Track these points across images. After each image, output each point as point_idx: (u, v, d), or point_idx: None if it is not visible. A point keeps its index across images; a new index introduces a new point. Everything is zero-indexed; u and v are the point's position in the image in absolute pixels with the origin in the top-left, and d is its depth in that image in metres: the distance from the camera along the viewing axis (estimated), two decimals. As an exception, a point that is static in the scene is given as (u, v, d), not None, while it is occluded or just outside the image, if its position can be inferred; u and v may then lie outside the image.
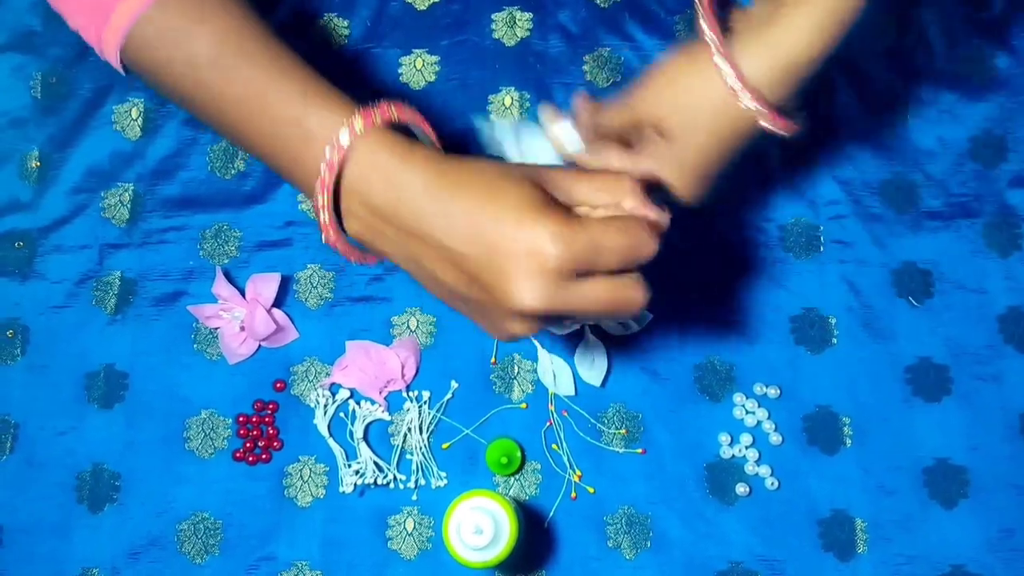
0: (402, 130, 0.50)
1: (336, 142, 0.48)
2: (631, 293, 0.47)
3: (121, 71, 0.55)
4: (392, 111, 0.50)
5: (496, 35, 0.75)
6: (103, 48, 0.54)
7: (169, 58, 0.51)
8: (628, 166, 0.54)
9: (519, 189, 0.46)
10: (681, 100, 0.53)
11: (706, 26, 0.52)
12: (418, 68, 0.74)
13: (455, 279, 0.48)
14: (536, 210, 0.45)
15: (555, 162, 0.59)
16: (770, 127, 0.53)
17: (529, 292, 0.45)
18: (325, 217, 0.49)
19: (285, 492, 0.65)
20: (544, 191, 0.47)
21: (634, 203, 0.49)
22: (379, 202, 0.48)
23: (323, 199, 0.48)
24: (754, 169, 0.71)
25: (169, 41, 0.51)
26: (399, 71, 0.74)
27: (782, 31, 0.51)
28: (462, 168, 0.48)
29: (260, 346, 0.68)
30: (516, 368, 0.67)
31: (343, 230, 0.51)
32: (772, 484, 0.64)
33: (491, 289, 0.46)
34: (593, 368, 0.66)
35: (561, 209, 0.47)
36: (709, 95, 0.52)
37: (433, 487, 0.65)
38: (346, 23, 0.75)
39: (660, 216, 0.50)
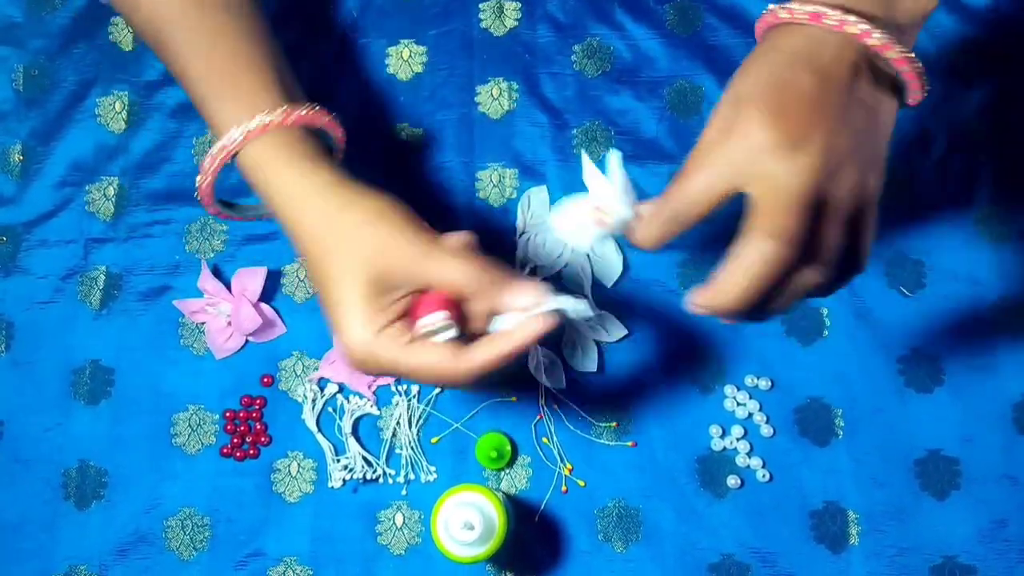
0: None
1: (228, 138, 0.53)
2: (452, 369, 0.48)
3: None
4: (301, 115, 0.53)
5: (484, 25, 0.74)
6: None
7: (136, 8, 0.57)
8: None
9: (344, 284, 0.48)
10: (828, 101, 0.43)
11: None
12: (405, 59, 0.73)
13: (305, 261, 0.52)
14: (354, 313, 0.48)
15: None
16: (913, 74, 0.45)
17: (345, 354, 0.49)
18: (206, 185, 0.56)
19: (273, 488, 0.65)
20: (378, 290, 0.48)
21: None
22: (262, 190, 0.53)
23: (206, 177, 0.55)
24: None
25: None
26: (386, 62, 0.73)
27: None
28: (328, 220, 0.50)
29: (247, 341, 0.67)
30: (506, 361, 0.66)
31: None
32: (764, 476, 0.64)
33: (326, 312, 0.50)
34: (586, 356, 0.66)
35: (382, 317, 0.48)
36: (839, 74, 0.44)
37: (423, 482, 0.64)
38: (333, 14, 0.74)
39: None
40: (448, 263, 0.48)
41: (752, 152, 0.43)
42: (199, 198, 0.57)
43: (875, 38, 0.44)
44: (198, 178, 0.56)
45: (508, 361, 0.48)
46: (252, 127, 0.52)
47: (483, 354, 0.47)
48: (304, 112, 0.54)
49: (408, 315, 0.49)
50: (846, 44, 0.44)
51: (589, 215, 0.49)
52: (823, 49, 0.44)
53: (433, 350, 0.47)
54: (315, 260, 0.49)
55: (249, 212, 0.62)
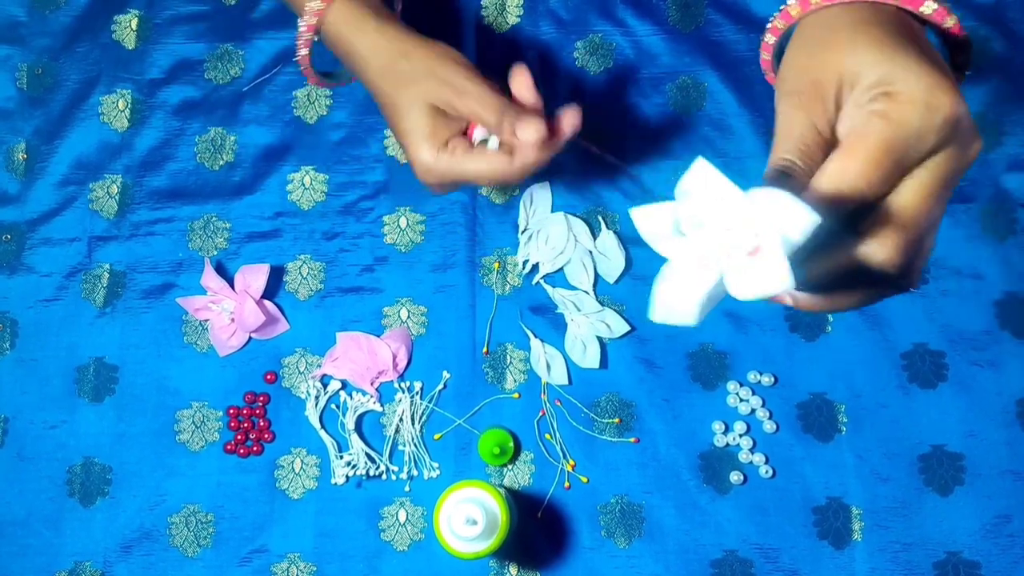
0: None
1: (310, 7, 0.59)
2: (502, 170, 0.57)
3: None
4: None
5: (487, 21, 0.74)
6: None
7: None
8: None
9: (412, 113, 0.57)
10: (842, 47, 0.38)
11: None
12: None
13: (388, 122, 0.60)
14: (420, 137, 0.57)
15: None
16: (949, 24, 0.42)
17: (417, 173, 0.58)
18: (304, 56, 0.61)
19: (277, 484, 0.65)
20: (438, 114, 0.57)
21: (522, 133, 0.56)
22: (344, 56, 0.60)
23: (304, 38, 0.60)
24: (745, 155, 0.70)
25: None
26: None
27: None
28: (392, 61, 0.58)
29: (250, 338, 0.68)
30: (508, 357, 0.67)
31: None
32: (767, 472, 0.64)
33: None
34: (586, 353, 0.66)
35: (443, 135, 0.57)
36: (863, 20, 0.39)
37: (426, 478, 0.65)
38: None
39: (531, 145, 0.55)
40: (487, 96, 0.57)
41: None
42: (301, 71, 0.62)
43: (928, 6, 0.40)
44: (299, 52, 0.61)
45: (542, 161, 0.57)
46: None
47: (523, 156, 0.56)
48: None
49: (464, 135, 0.59)
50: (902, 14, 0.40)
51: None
52: (907, 20, 0.41)
53: (489, 154, 0.57)
54: (387, 100, 0.58)
55: (343, 77, 0.67)
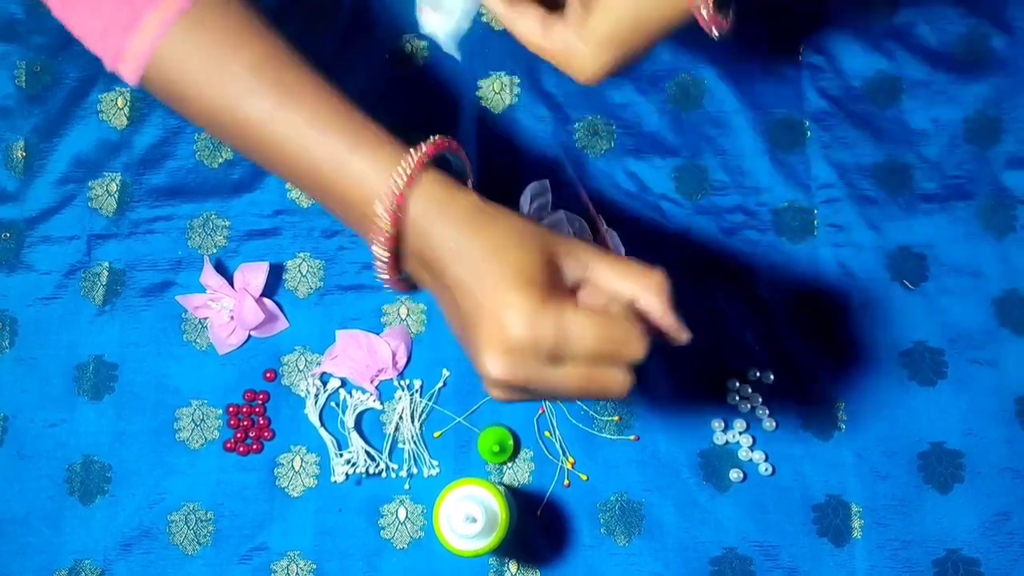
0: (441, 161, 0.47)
1: (391, 192, 0.44)
2: (608, 385, 0.44)
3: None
4: (435, 146, 0.46)
5: (485, 19, 0.74)
6: (118, 69, 0.49)
7: (197, 90, 0.48)
8: (538, 29, 0.51)
9: (521, 255, 0.43)
10: None
11: None
12: (408, 53, 0.73)
13: (454, 325, 0.47)
14: (523, 282, 0.42)
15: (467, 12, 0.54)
16: (704, 17, 0.49)
17: (490, 362, 0.42)
18: (385, 267, 0.47)
19: (277, 482, 0.65)
20: (551, 263, 0.44)
21: (654, 304, 0.45)
22: (417, 244, 0.46)
23: (383, 252, 0.46)
24: (745, 153, 0.70)
25: (199, 71, 0.47)
26: (387, 56, 0.73)
27: None
28: (487, 217, 0.45)
29: (250, 336, 0.68)
30: (508, 356, 0.66)
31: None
32: (766, 470, 0.64)
33: (470, 347, 0.45)
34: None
35: (554, 289, 0.43)
36: None
37: (425, 476, 0.65)
38: (333, 11, 0.74)
39: (677, 331, 0.46)
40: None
41: None
42: (385, 285, 0.49)
43: None
44: (381, 265, 0.47)
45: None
46: (405, 171, 0.45)
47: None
48: (433, 142, 0.46)
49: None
50: None
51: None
52: None
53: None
54: (479, 272, 0.44)
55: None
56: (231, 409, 0.66)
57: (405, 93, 0.72)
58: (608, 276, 0.45)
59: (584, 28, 0.50)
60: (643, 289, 0.45)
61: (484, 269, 0.43)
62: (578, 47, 0.51)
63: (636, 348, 0.43)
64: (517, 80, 0.72)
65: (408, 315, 0.68)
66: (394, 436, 0.65)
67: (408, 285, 0.49)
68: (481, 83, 0.72)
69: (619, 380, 0.44)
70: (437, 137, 0.46)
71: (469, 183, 0.49)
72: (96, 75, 0.74)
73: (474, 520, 0.54)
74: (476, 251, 0.44)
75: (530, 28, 0.52)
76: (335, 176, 0.46)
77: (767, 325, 0.66)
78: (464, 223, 0.44)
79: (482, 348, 0.43)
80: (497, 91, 0.72)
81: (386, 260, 0.46)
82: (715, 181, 0.69)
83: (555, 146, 0.71)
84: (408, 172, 0.44)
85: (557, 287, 0.44)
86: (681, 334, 0.47)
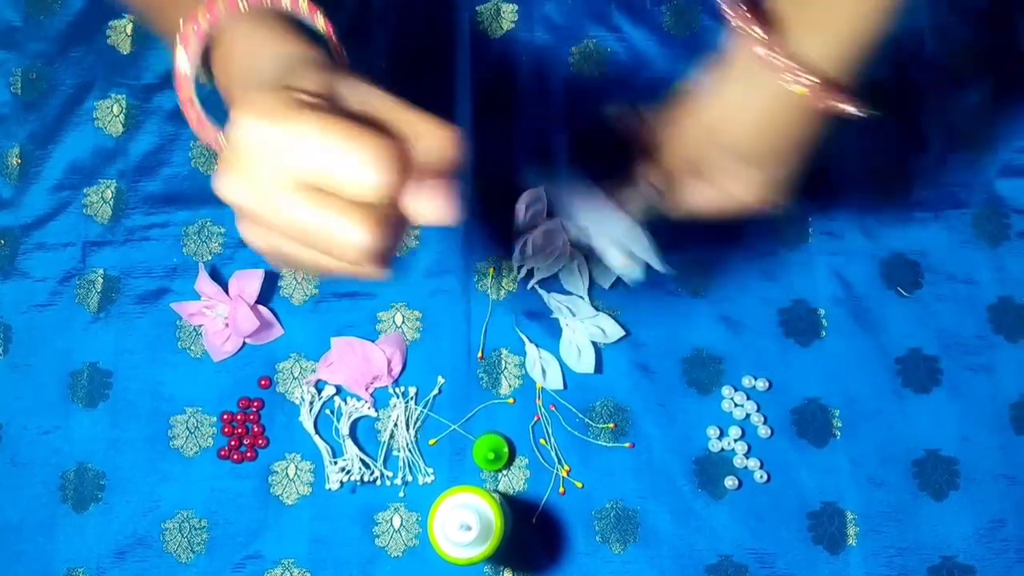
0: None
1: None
2: (341, 230, 0.35)
3: None
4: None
5: (481, 28, 0.74)
6: None
7: None
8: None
9: (273, 76, 0.40)
10: (752, 122, 0.52)
11: (743, 23, 0.49)
12: (403, 61, 0.73)
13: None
14: (253, 94, 0.37)
15: (624, 225, 0.63)
16: (840, 106, 0.49)
17: (218, 184, 0.36)
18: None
19: (271, 490, 0.65)
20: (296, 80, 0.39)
21: (436, 150, 0.38)
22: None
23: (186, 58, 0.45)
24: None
25: None
26: (383, 65, 0.73)
27: (832, 4, 0.48)
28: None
29: (245, 343, 0.67)
30: (503, 363, 0.67)
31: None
32: (761, 477, 0.64)
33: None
34: (581, 358, 0.66)
35: (293, 100, 0.37)
36: (782, 107, 0.50)
37: (420, 484, 0.64)
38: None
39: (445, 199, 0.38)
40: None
41: None
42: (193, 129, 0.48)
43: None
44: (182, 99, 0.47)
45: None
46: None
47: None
48: None
49: None
50: None
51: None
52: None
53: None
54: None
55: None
56: (225, 416, 0.66)
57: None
58: (386, 104, 0.38)
59: (745, 187, 0.55)
60: (428, 132, 0.38)
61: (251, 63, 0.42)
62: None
63: (371, 168, 0.34)
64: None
65: (403, 322, 0.68)
66: (389, 444, 0.65)
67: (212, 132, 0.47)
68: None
69: (353, 229, 0.35)
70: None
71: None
72: (92, 82, 0.74)
73: (469, 528, 0.54)
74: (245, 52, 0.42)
75: (709, 201, 0.57)
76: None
77: (761, 332, 0.66)
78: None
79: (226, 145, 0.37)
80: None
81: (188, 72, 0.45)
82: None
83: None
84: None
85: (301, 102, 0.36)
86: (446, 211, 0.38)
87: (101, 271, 0.69)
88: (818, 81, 0.48)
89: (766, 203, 0.55)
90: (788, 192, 0.55)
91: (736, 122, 0.52)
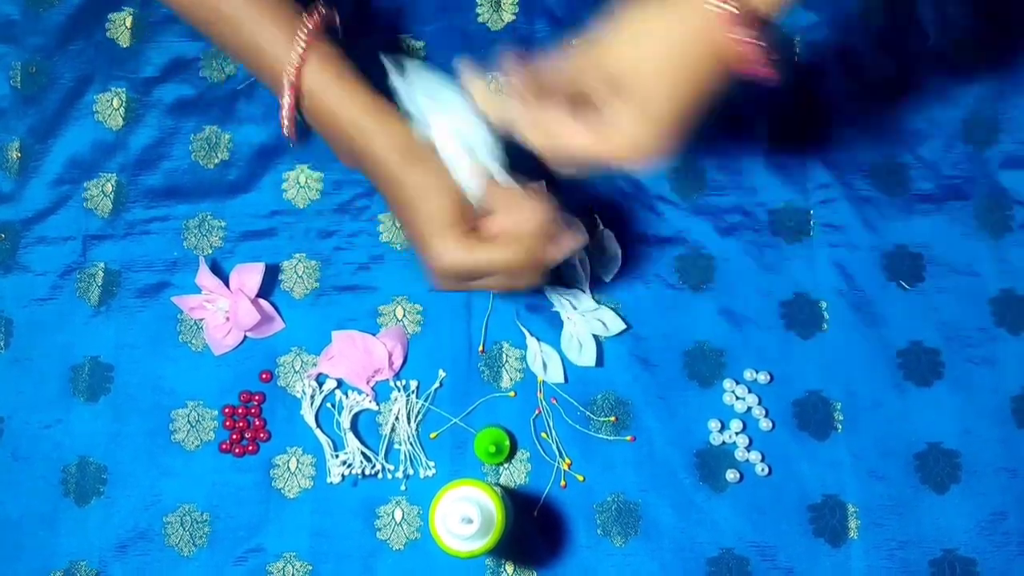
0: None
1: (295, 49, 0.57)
2: (516, 288, 0.59)
3: None
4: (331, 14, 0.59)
5: (481, 19, 0.74)
6: None
7: None
8: (574, 134, 0.51)
9: (441, 202, 0.56)
10: (646, 49, 0.49)
11: None
12: (405, 53, 0.73)
13: (399, 221, 0.62)
14: (444, 227, 0.56)
15: (470, 119, 0.56)
16: (745, 42, 0.47)
17: (428, 277, 0.58)
18: (286, 111, 0.59)
19: (272, 483, 0.65)
20: (462, 205, 0.56)
21: (537, 230, 0.57)
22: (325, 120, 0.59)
23: (287, 99, 0.58)
24: (742, 153, 0.70)
25: None
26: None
27: None
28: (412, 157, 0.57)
29: (246, 337, 0.67)
30: (504, 356, 0.66)
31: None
32: (763, 470, 0.64)
33: (415, 250, 0.59)
34: (582, 351, 0.65)
35: (466, 226, 0.56)
36: (682, 35, 0.48)
37: (421, 477, 0.64)
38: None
39: (564, 246, 0.58)
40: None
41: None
42: (287, 137, 0.61)
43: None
44: (284, 128, 0.60)
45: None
46: (302, 38, 0.57)
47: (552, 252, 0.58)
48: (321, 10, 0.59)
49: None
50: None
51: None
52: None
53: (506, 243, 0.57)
54: (404, 180, 0.57)
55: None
56: (227, 410, 0.66)
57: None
58: (502, 214, 0.57)
59: (630, 124, 0.50)
60: (526, 220, 0.57)
61: (416, 207, 0.57)
62: (628, 144, 0.50)
63: (531, 274, 0.58)
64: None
65: (404, 316, 0.68)
66: (390, 437, 0.65)
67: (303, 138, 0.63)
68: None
69: (522, 285, 0.59)
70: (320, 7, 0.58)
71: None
72: (92, 76, 0.74)
73: (470, 521, 0.54)
74: (408, 191, 0.57)
75: (575, 135, 0.52)
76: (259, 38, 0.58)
77: (762, 325, 0.66)
78: (380, 126, 0.57)
79: (425, 264, 0.58)
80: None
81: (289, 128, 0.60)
82: (712, 181, 0.69)
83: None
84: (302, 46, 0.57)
85: (469, 222, 0.57)
86: (573, 240, 0.59)
87: (102, 265, 0.69)
88: (736, 8, 0.46)
89: (640, 156, 0.50)
90: (667, 149, 0.50)
91: (631, 50, 0.49)
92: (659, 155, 0.51)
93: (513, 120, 0.54)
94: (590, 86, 0.51)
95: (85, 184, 0.71)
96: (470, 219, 0.57)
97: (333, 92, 0.58)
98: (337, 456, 0.65)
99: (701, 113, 0.50)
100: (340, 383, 0.66)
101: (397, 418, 0.65)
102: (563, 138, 0.52)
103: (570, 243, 0.58)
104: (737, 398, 0.65)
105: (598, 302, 0.67)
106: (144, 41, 0.74)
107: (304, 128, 0.61)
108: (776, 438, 0.64)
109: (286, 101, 0.58)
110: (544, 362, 0.66)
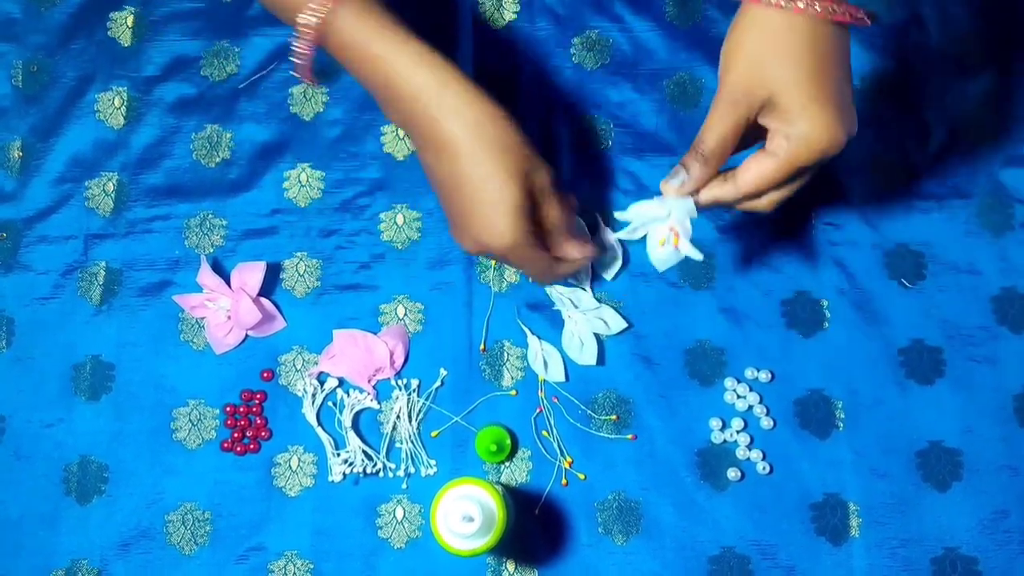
0: None
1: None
2: (540, 278, 0.63)
3: None
4: None
5: (483, 18, 0.74)
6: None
7: None
8: (772, 171, 0.54)
9: (515, 191, 0.56)
10: (770, 71, 0.52)
11: None
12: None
13: (438, 184, 0.58)
14: (514, 213, 0.56)
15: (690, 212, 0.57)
16: (856, 14, 0.52)
17: (469, 246, 0.58)
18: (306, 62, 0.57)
19: (274, 482, 0.65)
20: (532, 199, 0.57)
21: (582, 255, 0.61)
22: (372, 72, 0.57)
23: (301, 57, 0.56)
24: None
25: None
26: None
27: None
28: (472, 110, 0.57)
29: (247, 336, 0.67)
30: (506, 355, 0.66)
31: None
32: (764, 469, 0.64)
33: (452, 217, 0.58)
34: (583, 350, 0.65)
35: (529, 223, 0.57)
36: (792, 39, 0.52)
37: (423, 475, 0.65)
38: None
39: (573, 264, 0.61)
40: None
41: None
42: (298, 76, 0.58)
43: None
44: (297, 67, 0.57)
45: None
46: None
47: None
48: None
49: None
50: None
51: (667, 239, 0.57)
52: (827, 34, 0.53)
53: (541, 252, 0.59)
54: (470, 159, 0.56)
55: (337, 73, 0.65)
56: (228, 409, 0.66)
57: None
58: (558, 240, 0.60)
59: (810, 132, 0.52)
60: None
61: (487, 186, 0.56)
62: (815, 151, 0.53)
63: (565, 269, 0.61)
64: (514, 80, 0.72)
65: (405, 314, 0.68)
66: (391, 435, 0.65)
67: (318, 78, 0.59)
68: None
69: (548, 279, 0.63)
70: None
71: None
72: (93, 75, 0.74)
73: (471, 519, 0.54)
74: (481, 169, 0.55)
75: (763, 166, 0.54)
76: None
77: (764, 323, 0.66)
78: (440, 93, 0.56)
79: (464, 234, 0.58)
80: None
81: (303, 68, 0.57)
82: (713, 180, 0.69)
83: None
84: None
85: (530, 219, 0.57)
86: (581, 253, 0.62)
87: (103, 264, 0.69)
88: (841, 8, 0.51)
89: (835, 140, 0.52)
90: (849, 117, 0.52)
91: (770, 71, 0.52)
92: (849, 126, 0.53)
93: (720, 197, 0.55)
94: (751, 121, 0.53)
95: (87, 183, 0.71)
96: (529, 208, 0.57)
97: (394, 53, 0.56)
98: (338, 455, 0.65)
99: (848, 72, 0.54)
100: (341, 382, 0.66)
101: (398, 417, 0.65)
102: (764, 176, 0.54)
103: (577, 256, 0.61)
104: (738, 396, 0.65)
105: (599, 300, 0.67)
106: (145, 40, 0.75)
107: (320, 70, 0.59)
108: (777, 436, 0.64)
109: (304, 44, 0.56)
110: (545, 360, 0.66)
